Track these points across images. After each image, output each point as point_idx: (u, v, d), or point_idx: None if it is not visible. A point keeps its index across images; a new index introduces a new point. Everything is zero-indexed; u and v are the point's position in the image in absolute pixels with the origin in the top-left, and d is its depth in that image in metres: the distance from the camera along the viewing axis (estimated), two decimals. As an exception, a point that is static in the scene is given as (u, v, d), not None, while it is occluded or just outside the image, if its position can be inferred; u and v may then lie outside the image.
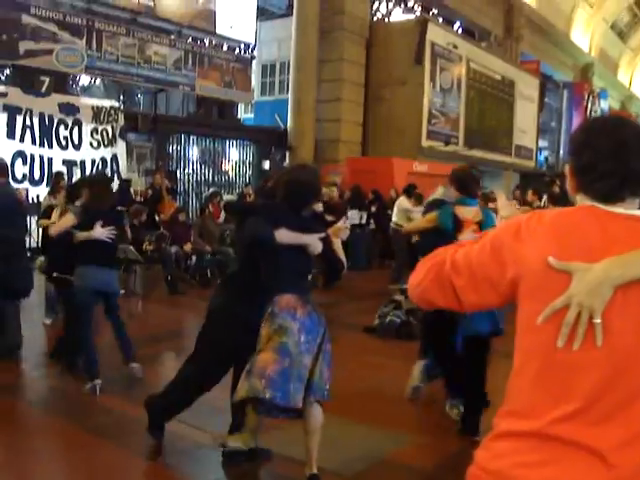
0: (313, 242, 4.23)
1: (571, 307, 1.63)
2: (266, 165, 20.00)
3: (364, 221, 15.76)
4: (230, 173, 19.70)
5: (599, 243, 1.69)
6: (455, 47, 22.58)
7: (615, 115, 2.14)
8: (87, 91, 21.17)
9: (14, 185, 8.78)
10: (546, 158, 35.22)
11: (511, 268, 1.77)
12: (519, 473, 1.66)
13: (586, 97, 36.89)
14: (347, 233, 4.65)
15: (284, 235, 4.13)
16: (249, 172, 20.08)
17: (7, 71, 16.88)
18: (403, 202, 12.89)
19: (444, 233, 5.23)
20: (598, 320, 1.60)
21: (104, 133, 15.39)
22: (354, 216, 15.63)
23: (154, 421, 4.84)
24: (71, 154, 14.70)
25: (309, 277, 4.56)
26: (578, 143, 1.83)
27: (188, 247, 13.00)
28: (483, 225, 5.19)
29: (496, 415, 1.81)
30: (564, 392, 1.66)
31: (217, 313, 4.54)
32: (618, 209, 1.74)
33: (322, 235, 4.32)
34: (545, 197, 12.80)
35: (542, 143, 33.86)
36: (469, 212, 5.32)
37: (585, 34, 37.81)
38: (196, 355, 4.63)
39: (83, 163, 14.94)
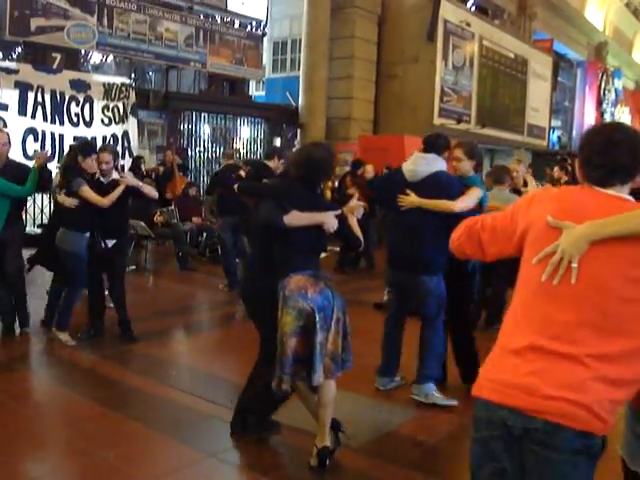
0: (328, 219, 4.24)
1: (557, 253, 2.24)
2: (277, 142, 19.96)
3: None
4: (241, 150, 19.68)
5: (590, 212, 2.26)
6: (468, 25, 22.43)
7: (613, 122, 2.86)
8: (99, 68, 21.16)
9: (25, 162, 8.78)
10: (559, 137, 35.00)
11: (521, 224, 2.44)
12: (513, 364, 2.27)
13: (600, 76, 36.62)
14: (362, 211, 4.65)
15: (296, 217, 4.16)
16: (260, 149, 20.06)
17: (19, 48, 16.86)
18: None
19: None
20: (575, 265, 2.21)
21: (115, 110, 15.36)
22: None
23: (262, 421, 4.77)
24: (82, 131, 14.69)
25: (322, 255, 4.56)
26: (582, 142, 2.46)
27: (198, 221, 13.08)
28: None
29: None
30: (545, 318, 2.26)
31: (265, 296, 4.29)
32: (609, 191, 2.34)
33: (337, 212, 4.33)
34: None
35: (555, 122, 33.66)
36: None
37: (599, 12, 37.42)
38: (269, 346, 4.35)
39: (94, 140, 14.91)
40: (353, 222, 4.52)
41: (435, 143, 5.55)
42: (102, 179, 6.98)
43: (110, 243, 7.02)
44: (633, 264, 2.17)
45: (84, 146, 7.72)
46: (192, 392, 5.68)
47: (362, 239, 4.56)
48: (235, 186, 8.23)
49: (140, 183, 7.12)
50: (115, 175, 7.03)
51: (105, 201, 6.76)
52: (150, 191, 7.16)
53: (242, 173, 9.17)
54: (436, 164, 5.42)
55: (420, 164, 5.45)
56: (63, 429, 4.98)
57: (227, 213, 9.96)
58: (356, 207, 4.58)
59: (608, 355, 2.14)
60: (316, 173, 4.38)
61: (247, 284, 4.84)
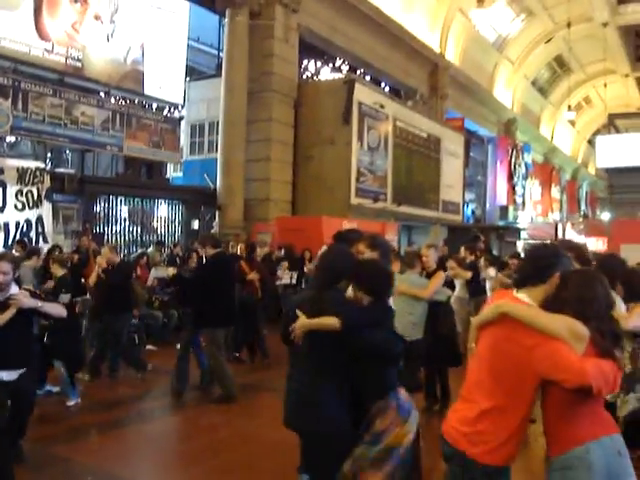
0: None
1: None
2: (195, 224, 19.98)
3: (294, 281, 15.80)
4: (159, 231, 19.58)
5: None
6: (382, 106, 23.01)
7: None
8: (14, 149, 20.88)
9: None
10: (473, 211, 35.99)
11: None
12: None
13: (510, 151, 38.00)
14: None
15: None
16: (178, 231, 20.01)
17: None
18: None
19: None
20: (472, 345, 3.51)
21: (29, 195, 15.13)
22: (286, 276, 15.70)
23: None
24: (-6, 216, 14.44)
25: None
26: None
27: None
28: None
29: None
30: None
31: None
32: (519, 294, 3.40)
33: None
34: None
35: (469, 196, 34.60)
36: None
37: (507, 90, 39.11)
38: None
39: (7, 225, 14.64)
40: None
41: (346, 237, 5.48)
42: None
43: (8, 376, 5.85)
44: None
45: None
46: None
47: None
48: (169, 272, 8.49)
49: (39, 303, 5.85)
50: (14, 289, 5.86)
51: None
52: (53, 309, 6.04)
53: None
54: None
55: None
56: None
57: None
58: None
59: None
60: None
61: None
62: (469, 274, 11.25)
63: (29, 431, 6.83)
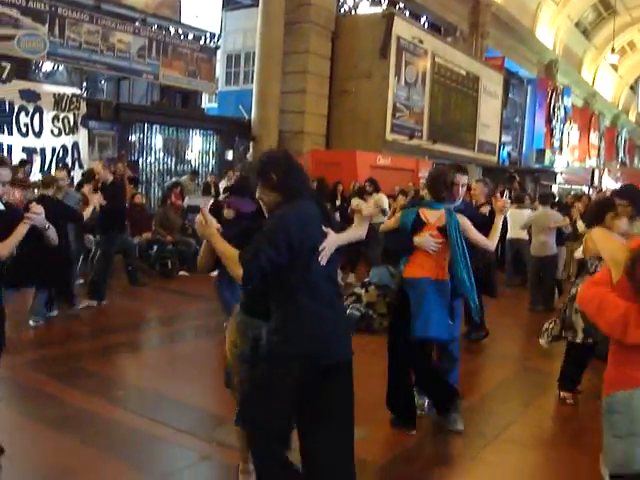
0: None
1: None
2: (229, 155, 19.94)
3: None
4: (193, 162, 19.58)
5: None
6: (421, 42, 22.67)
7: None
8: (50, 77, 20.85)
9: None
10: (509, 153, 35.52)
11: None
12: None
13: (550, 94, 37.26)
14: None
15: None
16: (212, 162, 19.99)
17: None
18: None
19: (404, 233, 5.35)
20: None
21: (65, 121, 15.19)
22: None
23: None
24: (31, 141, 14.50)
25: None
26: None
27: (147, 236, 12.98)
28: (446, 229, 5.21)
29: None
30: None
31: None
32: None
33: None
34: (507, 193, 13.03)
35: (505, 138, 34.12)
36: (433, 215, 5.30)
37: (550, 31, 38.16)
38: None
39: (43, 151, 14.74)
40: None
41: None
42: None
43: None
44: None
45: None
46: (139, 413, 5.63)
47: None
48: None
49: (47, 225, 4.79)
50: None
51: (1, 248, 4.45)
52: (53, 235, 4.87)
53: None
54: None
55: None
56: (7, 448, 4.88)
57: None
58: None
59: None
60: None
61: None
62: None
63: (58, 347, 6.99)
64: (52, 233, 4.86)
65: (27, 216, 4.41)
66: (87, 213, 8.76)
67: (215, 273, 6.74)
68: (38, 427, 5.21)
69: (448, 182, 5.41)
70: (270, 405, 3.41)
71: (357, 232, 3.92)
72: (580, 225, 11.65)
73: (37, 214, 4.47)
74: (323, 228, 3.52)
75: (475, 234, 5.34)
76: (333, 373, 3.49)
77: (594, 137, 47.84)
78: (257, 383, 3.51)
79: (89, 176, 11.69)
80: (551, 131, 37.96)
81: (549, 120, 37.60)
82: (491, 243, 5.49)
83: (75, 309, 9.08)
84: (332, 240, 3.53)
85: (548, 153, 37.00)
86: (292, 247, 3.35)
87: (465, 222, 5.29)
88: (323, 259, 3.46)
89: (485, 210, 7.27)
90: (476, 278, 5.38)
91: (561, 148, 39.56)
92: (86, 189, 10.55)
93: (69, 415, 5.54)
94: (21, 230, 4.40)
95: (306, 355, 3.39)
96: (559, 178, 34.63)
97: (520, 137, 36.78)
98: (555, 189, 31.00)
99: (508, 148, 35.56)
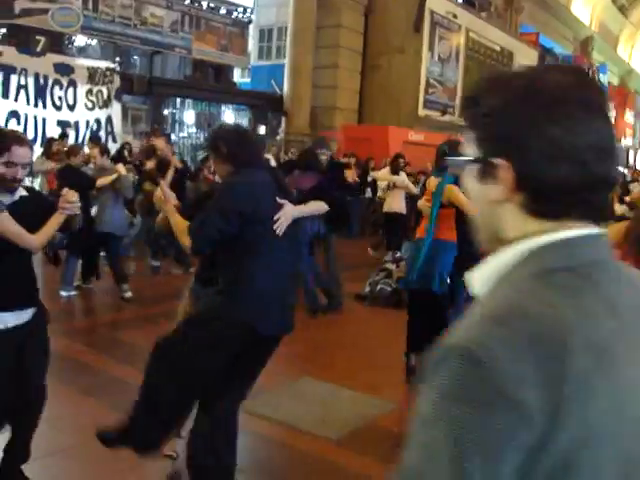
0: None
1: None
2: (262, 130, 19.92)
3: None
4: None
5: None
6: (455, 16, 22.43)
7: None
8: (83, 51, 20.96)
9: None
10: (542, 131, 35.07)
11: None
12: None
13: (585, 70, 36.69)
14: None
15: None
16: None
17: (2, 30, 16.69)
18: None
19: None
20: None
21: (99, 94, 15.25)
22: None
23: None
24: (65, 115, 14.59)
25: None
26: None
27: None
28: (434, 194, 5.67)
29: None
30: None
31: None
32: None
33: None
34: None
35: (538, 116, 33.66)
36: (433, 183, 5.76)
37: (586, 7, 37.56)
38: None
39: (77, 124, 14.83)
40: None
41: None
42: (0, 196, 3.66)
43: (21, 317, 3.85)
44: None
45: None
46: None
47: None
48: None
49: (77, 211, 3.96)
50: (21, 190, 3.84)
51: (36, 239, 3.75)
52: (78, 219, 4.06)
53: None
54: None
55: None
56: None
57: None
58: None
59: None
60: None
61: None
62: None
63: (94, 317, 7.04)
64: (78, 217, 4.16)
65: (62, 206, 3.83)
66: (107, 181, 8.67)
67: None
68: (71, 393, 5.28)
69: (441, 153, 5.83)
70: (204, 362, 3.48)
71: (318, 206, 4.04)
72: (618, 207, 11.42)
73: (72, 203, 3.90)
74: (278, 199, 3.57)
75: (460, 199, 5.42)
76: (265, 344, 3.55)
77: (630, 116, 47.07)
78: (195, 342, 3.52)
79: (149, 152, 11.59)
80: (586, 109, 37.40)
81: (584, 98, 37.04)
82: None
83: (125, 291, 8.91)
84: (288, 211, 3.58)
85: (581, 130, 36.46)
86: (243, 215, 3.39)
87: (453, 189, 5.44)
88: (279, 229, 3.51)
89: None
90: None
91: (596, 126, 38.94)
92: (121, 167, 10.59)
93: (102, 383, 5.60)
94: (56, 221, 3.83)
95: (244, 323, 3.39)
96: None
97: (554, 114, 36.29)
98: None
99: (541, 126, 35.09)
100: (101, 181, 8.57)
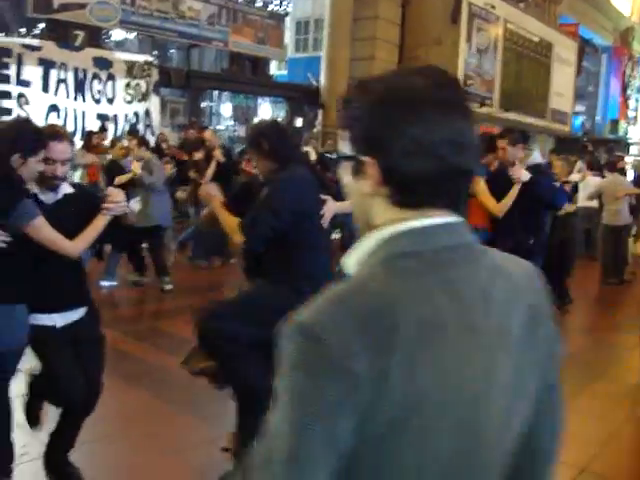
0: None
1: None
2: (299, 122, 19.90)
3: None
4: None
5: None
6: (493, 7, 22.23)
7: None
8: (121, 45, 21.15)
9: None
10: (582, 123, 34.66)
11: None
12: None
13: (625, 62, 36.20)
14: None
15: None
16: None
17: (41, 25, 16.88)
18: None
19: None
20: None
21: (137, 88, 15.37)
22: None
23: None
24: (104, 108, 14.73)
25: None
26: None
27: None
28: None
29: None
30: None
31: None
32: None
33: None
34: (578, 164, 12.76)
35: (578, 108, 33.31)
36: None
37: (627, -3, 37.00)
38: None
39: (116, 117, 14.96)
40: None
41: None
42: (41, 195, 3.58)
43: (68, 318, 3.73)
44: None
45: (23, 136, 3.42)
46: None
47: None
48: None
49: (128, 209, 3.78)
50: (66, 187, 3.70)
51: (74, 246, 3.56)
52: (131, 216, 3.85)
53: None
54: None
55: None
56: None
57: None
58: None
59: None
60: None
61: None
62: None
63: (130, 309, 7.08)
64: (131, 214, 3.88)
65: (106, 207, 3.58)
66: (124, 179, 8.65)
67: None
68: (113, 380, 5.30)
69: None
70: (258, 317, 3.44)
71: None
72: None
73: (117, 203, 3.63)
74: (321, 195, 3.77)
75: (483, 196, 5.48)
76: None
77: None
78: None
79: (197, 143, 11.62)
80: (626, 101, 36.91)
81: (624, 89, 36.55)
82: (496, 209, 5.63)
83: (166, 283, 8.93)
84: (332, 207, 3.80)
85: (622, 124, 36.02)
86: (294, 212, 3.51)
87: (478, 183, 5.50)
88: (325, 224, 3.74)
89: (568, 187, 7.32)
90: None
91: (636, 119, 38.45)
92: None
93: (142, 371, 5.65)
94: (100, 223, 3.59)
95: (299, 290, 3.31)
96: (633, 149, 33.71)
97: (593, 107, 35.82)
98: (629, 160, 30.24)
99: (581, 118, 34.69)
100: (119, 179, 8.60)
